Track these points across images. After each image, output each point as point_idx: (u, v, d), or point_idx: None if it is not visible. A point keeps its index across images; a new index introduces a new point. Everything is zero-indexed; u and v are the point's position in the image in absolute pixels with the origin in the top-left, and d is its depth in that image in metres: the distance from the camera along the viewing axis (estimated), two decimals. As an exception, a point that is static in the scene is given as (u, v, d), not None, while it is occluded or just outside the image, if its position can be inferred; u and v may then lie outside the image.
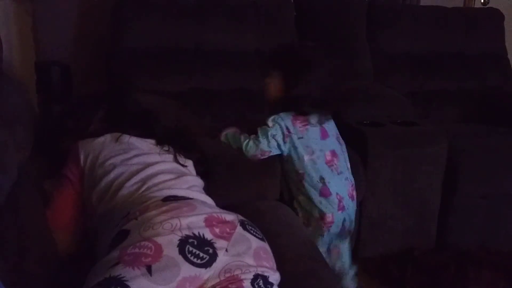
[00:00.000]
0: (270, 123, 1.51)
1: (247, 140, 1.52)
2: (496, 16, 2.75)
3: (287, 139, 1.51)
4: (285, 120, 1.50)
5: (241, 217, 0.96)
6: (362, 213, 1.89)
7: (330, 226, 1.52)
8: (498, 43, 2.75)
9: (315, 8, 2.47)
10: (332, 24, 2.45)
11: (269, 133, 1.50)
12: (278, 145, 1.51)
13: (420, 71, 2.57)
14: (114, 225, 0.94)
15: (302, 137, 1.50)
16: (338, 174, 1.54)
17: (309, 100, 1.52)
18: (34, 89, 1.95)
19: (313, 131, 1.52)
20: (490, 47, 2.73)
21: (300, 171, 1.50)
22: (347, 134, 1.91)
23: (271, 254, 0.95)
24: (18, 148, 1.10)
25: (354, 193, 1.60)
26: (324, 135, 1.55)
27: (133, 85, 2.01)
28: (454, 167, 1.96)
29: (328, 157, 1.53)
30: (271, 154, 1.52)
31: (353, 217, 1.61)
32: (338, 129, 1.68)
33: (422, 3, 2.91)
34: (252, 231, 0.94)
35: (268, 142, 1.50)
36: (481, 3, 3.22)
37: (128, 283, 0.77)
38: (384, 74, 2.49)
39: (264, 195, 1.50)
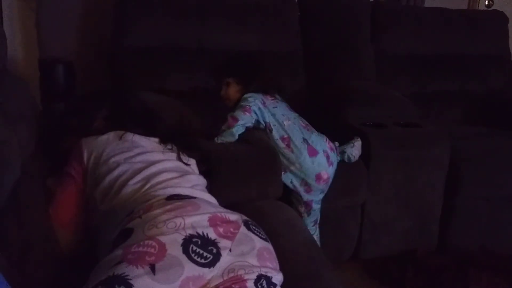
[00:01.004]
0: (245, 101, 1.66)
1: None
2: (500, 19, 2.75)
3: (265, 108, 1.67)
4: (257, 96, 1.67)
5: (245, 217, 0.96)
6: (363, 214, 1.89)
7: (326, 183, 1.71)
8: (502, 46, 2.75)
9: (319, 9, 2.47)
10: (336, 24, 2.45)
11: (248, 100, 1.65)
12: (259, 109, 1.65)
13: (423, 72, 2.57)
14: (117, 223, 0.94)
15: (276, 107, 1.69)
16: (313, 133, 1.72)
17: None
18: (38, 86, 1.95)
19: (282, 103, 1.73)
20: (494, 49, 2.73)
21: (285, 136, 1.66)
22: (349, 135, 1.92)
23: (275, 255, 0.95)
24: (21, 145, 1.10)
25: (331, 144, 1.74)
26: (289, 108, 1.75)
27: (136, 83, 2.01)
28: (456, 168, 1.96)
29: (302, 123, 1.72)
30: (253, 111, 1.64)
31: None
32: (340, 130, 1.84)
33: (426, 5, 2.91)
34: (256, 231, 0.94)
35: (249, 102, 1.65)
36: (486, 5, 3.21)
37: (132, 282, 0.77)
38: (387, 75, 2.48)
39: (266, 193, 1.49)
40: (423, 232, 2.00)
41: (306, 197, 1.70)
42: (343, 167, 1.84)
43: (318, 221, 1.79)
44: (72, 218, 1.14)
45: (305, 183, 1.68)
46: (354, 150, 1.80)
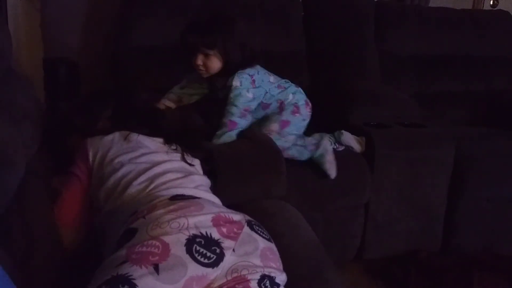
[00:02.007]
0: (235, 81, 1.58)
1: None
2: (505, 19, 2.74)
3: (255, 82, 1.62)
4: (242, 73, 1.59)
5: (248, 217, 0.96)
6: (367, 214, 1.89)
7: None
8: (506, 46, 2.73)
9: (323, 8, 2.47)
10: (340, 24, 2.44)
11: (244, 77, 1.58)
12: (254, 82, 1.61)
13: (427, 72, 2.57)
14: (121, 223, 0.94)
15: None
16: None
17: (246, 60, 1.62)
18: (42, 86, 1.96)
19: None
20: (499, 49, 2.72)
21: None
22: (353, 135, 1.91)
23: (278, 255, 0.95)
24: (26, 144, 1.11)
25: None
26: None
27: (139, 83, 2.01)
28: (460, 169, 1.95)
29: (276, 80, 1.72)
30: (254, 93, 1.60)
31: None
32: (344, 130, 1.84)
33: (431, 5, 2.90)
34: (259, 232, 0.94)
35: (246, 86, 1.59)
36: (490, 5, 3.20)
37: (135, 282, 0.77)
38: (391, 75, 2.48)
39: (269, 193, 1.50)
40: (427, 233, 1.99)
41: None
42: (347, 166, 1.84)
43: (319, 143, 1.76)
44: (76, 217, 1.14)
45: None
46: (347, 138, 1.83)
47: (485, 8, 3.19)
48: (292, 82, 1.77)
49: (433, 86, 2.56)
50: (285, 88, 1.73)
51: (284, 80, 1.75)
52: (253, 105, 1.64)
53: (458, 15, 2.68)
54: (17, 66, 2.06)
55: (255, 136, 1.62)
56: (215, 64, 1.59)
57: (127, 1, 2.15)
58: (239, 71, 1.59)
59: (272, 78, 1.71)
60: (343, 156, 1.86)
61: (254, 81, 1.62)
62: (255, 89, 1.62)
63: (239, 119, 1.59)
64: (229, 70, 1.60)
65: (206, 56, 1.57)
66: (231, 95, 1.59)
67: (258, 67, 1.66)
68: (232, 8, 2.28)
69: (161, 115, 1.33)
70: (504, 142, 2.16)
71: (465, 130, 2.33)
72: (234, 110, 1.59)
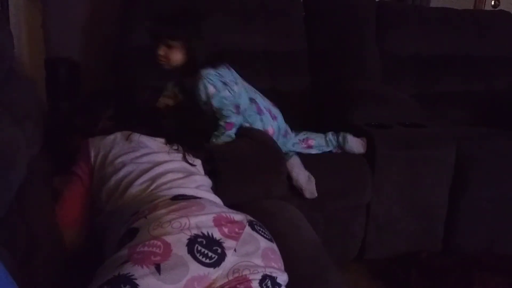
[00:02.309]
0: (204, 83, 1.55)
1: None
2: (506, 19, 2.74)
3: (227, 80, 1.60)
4: (208, 75, 1.55)
5: (249, 217, 0.96)
6: (368, 215, 1.89)
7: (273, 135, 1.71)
8: (508, 46, 2.73)
9: (324, 8, 2.46)
10: (341, 25, 2.44)
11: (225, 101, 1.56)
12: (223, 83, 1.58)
13: (428, 72, 2.56)
14: (123, 223, 0.94)
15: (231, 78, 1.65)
16: (254, 92, 1.73)
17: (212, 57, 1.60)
18: (43, 86, 1.96)
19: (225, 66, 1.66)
20: (500, 49, 2.72)
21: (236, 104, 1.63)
22: (355, 135, 1.91)
23: (279, 255, 0.95)
24: (28, 144, 1.11)
25: (268, 100, 1.77)
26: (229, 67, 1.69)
27: (141, 83, 2.01)
28: (461, 170, 1.95)
29: (245, 83, 1.72)
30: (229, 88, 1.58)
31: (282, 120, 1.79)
32: (345, 130, 1.82)
33: (432, 5, 2.90)
34: (260, 232, 0.94)
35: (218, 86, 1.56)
36: (492, 5, 3.20)
37: (137, 282, 0.77)
38: (392, 75, 2.48)
39: (270, 193, 1.50)
40: (428, 233, 1.99)
41: None
42: (348, 167, 1.84)
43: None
44: (78, 217, 1.15)
45: None
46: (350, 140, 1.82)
47: (486, 8, 3.19)
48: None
49: (434, 86, 2.56)
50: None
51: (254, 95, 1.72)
52: (241, 101, 1.62)
53: (459, 15, 2.67)
54: (19, 66, 2.06)
55: (255, 135, 1.63)
56: (177, 56, 1.55)
57: (127, 1, 2.15)
58: (204, 71, 1.55)
59: (236, 88, 1.65)
60: (344, 156, 1.87)
61: (225, 82, 1.59)
62: (229, 87, 1.60)
63: (234, 118, 1.59)
64: (193, 67, 1.56)
65: (169, 47, 1.54)
66: (215, 104, 1.56)
67: (225, 70, 1.63)
68: (233, 8, 2.29)
69: (163, 114, 1.33)
70: (505, 142, 2.16)
71: (466, 130, 2.33)
72: (225, 113, 1.58)
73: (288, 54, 2.37)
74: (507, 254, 1.97)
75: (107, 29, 2.25)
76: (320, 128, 2.04)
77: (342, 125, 2.03)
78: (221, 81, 1.58)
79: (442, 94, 2.56)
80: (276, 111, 1.77)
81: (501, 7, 3.12)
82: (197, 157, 1.25)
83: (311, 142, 1.82)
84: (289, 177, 1.65)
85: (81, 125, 1.27)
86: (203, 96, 1.57)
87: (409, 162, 1.88)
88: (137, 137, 1.18)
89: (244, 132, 1.63)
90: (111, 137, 1.17)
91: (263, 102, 1.74)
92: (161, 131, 1.24)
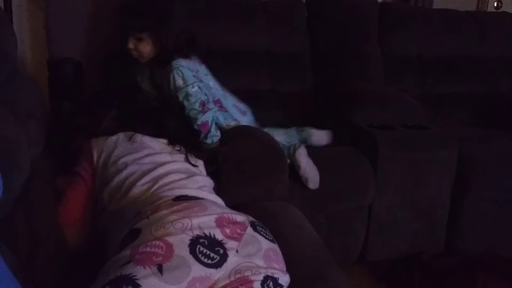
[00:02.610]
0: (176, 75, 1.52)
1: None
2: (509, 21, 2.73)
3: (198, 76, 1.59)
4: (179, 66, 1.53)
5: (251, 218, 0.96)
6: (370, 216, 1.89)
7: None
8: (511, 47, 2.72)
9: (327, 9, 2.46)
10: (344, 25, 2.44)
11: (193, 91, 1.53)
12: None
13: (431, 74, 2.56)
14: (125, 224, 0.95)
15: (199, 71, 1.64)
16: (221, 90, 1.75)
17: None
18: (46, 86, 1.96)
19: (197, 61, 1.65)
20: (503, 51, 2.71)
21: (216, 98, 1.67)
22: (356, 137, 1.91)
23: (281, 256, 0.95)
24: (31, 144, 1.11)
25: (234, 97, 1.80)
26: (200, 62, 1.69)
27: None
28: (464, 171, 1.94)
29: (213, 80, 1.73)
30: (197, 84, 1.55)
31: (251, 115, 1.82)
32: (348, 131, 1.83)
33: (434, 6, 2.89)
34: (262, 233, 0.94)
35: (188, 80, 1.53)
36: (494, 7, 3.19)
37: (139, 282, 0.77)
38: (395, 77, 2.47)
39: (272, 194, 1.50)
40: (430, 235, 1.99)
41: None
42: (350, 167, 1.84)
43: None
44: (80, 217, 1.15)
45: None
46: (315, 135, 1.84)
47: (489, 10, 3.18)
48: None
49: (437, 87, 2.56)
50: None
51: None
52: (206, 96, 1.58)
53: (462, 17, 2.67)
54: (22, 66, 2.07)
55: (258, 135, 1.62)
56: (146, 48, 1.53)
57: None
58: (175, 61, 1.52)
59: (212, 83, 1.68)
60: (346, 157, 1.87)
61: (196, 76, 1.57)
62: (201, 82, 1.58)
63: (204, 117, 1.54)
64: (164, 57, 1.54)
65: (138, 40, 1.52)
66: (180, 98, 1.53)
67: (197, 64, 1.62)
68: (235, 9, 2.29)
69: (166, 115, 1.33)
70: (508, 143, 2.15)
71: (469, 131, 2.33)
72: (193, 113, 1.53)
73: (290, 55, 2.36)
74: (510, 255, 1.97)
75: (110, 29, 2.25)
76: (321, 129, 2.04)
77: (344, 126, 2.04)
78: (192, 75, 1.55)
79: (445, 95, 2.55)
80: (244, 107, 1.81)
81: (504, 8, 3.11)
82: (199, 157, 1.25)
83: (276, 138, 1.77)
84: (292, 168, 1.65)
85: (84, 125, 1.27)
86: (172, 88, 1.54)
87: (411, 164, 1.88)
88: (140, 138, 1.18)
89: (247, 131, 1.63)
90: (114, 137, 1.17)
91: (229, 101, 1.75)
92: (163, 132, 1.24)
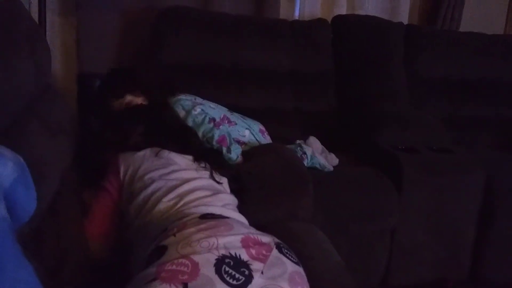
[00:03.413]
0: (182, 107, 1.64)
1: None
2: (537, 44, 2.69)
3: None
4: (177, 98, 1.67)
5: (276, 240, 0.96)
6: (393, 240, 1.85)
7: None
8: (538, 72, 2.68)
9: (352, 30, 2.47)
10: (369, 47, 2.44)
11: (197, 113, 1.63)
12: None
13: (457, 96, 2.53)
14: (151, 240, 0.95)
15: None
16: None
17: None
18: (75, 100, 2.01)
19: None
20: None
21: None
22: (380, 158, 1.89)
23: (306, 279, 0.93)
24: (60, 158, 1.13)
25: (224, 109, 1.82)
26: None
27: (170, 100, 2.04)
28: (491, 198, 1.90)
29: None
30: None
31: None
32: (372, 153, 1.84)
33: (461, 29, 2.87)
34: (287, 255, 0.93)
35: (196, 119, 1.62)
36: (522, 30, 3.15)
37: (164, 300, 0.77)
38: (420, 99, 2.45)
39: (296, 215, 1.48)
40: (454, 262, 1.94)
41: None
42: (373, 190, 1.82)
43: None
44: (105, 231, 1.16)
45: None
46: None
47: (517, 33, 3.14)
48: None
49: (463, 110, 2.52)
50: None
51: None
52: (215, 114, 1.67)
53: (489, 40, 2.64)
54: (53, 80, 2.12)
55: (283, 153, 1.62)
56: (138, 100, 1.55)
57: (160, 19, 2.20)
58: (172, 100, 1.66)
59: (212, 104, 1.76)
60: (370, 178, 1.84)
61: (195, 102, 1.68)
62: (202, 105, 1.68)
63: (219, 131, 1.60)
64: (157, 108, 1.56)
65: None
66: (190, 124, 1.60)
67: (191, 95, 1.73)
68: (261, 28, 2.31)
69: (192, 132, 1.34)
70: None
71: (496, 156, 2.28)
72: (206, 132, 1.59)
73: (314, 74, 2.37)
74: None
75: (138, 45, 2.30)
76: (345, 150, 2.03)
77: (367, 147, 2.02)
78: (191, 102, 1.66)
79: (471, 118, 2.52)
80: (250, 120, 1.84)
81: (533, 32, 3.07)
82: (223, 174, 1.25)
83: None
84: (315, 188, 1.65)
85: (112, 140, 1.29)
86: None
87: (436, 188, 1.85)
88: (166, 154, 1.19)
89: (273, 148, 1.63)
90: (141, 153, 1.18)
91: (235, 114, 1.80)
92: (189, 148, 1.25)
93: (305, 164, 1.74)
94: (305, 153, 1.81)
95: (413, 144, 1.97)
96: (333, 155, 1.90)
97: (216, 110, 1.74)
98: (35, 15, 1.97)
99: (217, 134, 1.60)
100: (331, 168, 1.82)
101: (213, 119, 1.64)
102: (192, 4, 2.33)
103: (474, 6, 2.92)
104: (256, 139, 1.76)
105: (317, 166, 1.80)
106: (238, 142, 1.68)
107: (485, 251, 1.94)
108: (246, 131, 1.75)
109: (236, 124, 1.74)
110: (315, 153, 1.82)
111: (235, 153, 1.58)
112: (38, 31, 1.27)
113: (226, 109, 1.82)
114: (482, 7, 2.97)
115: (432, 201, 1.85)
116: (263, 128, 1.87)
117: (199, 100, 1.75)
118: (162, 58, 2.15)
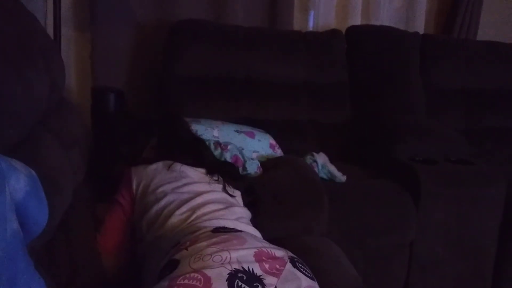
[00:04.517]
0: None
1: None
2: (557, 53, 2.64)
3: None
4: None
5: (290, 254, 0.93)
6: (411, 255, 1.81)
7: None
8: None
9: (366, 40, 2.45)
10: (384, 57, 2.42)
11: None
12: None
13: (476, 107, 2.48)
14: (163, 254, 0.93)
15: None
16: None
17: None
18: (89, 114, 2.02)
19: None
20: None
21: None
22: (398, 171, 1.86)
23: (321, 295, 0.91)
24: (73, 172, 1.13)
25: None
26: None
27: (184, 112, 2.04)
28: (512, 210, 1.85)
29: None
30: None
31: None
32: (389, 164, 1.82)
33: (478, 38, 2.83)
34: (302, 269, 0.90)
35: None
36: (541, 39, 3.09)
37: (177, 315, 0.75)
38: (437, 110, 2.41)
39: (311, 229, 1.46)
40: (476, 277, 1.88)
41: None
42: (391, 203, 1.78)
43: None
44: (118, 245, 1.15)
45: None
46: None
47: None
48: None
49: (481, 121, 2.47)
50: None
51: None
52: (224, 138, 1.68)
53: (508, 49, 2.60)
54: (67, 94, 2.14)
55: (298, 167, 1.60)
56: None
57: (173, 32, 2.21)
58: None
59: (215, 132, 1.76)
60: (387, 191, 1.81)
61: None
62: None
63: (229, 153, 1.59)
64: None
65: None
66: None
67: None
68: (275, 40, 2.31)
69: (204, 145, 1.33)
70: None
71: (516, 168, 2.22)
72: (224, 158, 1.57)
73: (329, 85, 2.35)
74: None
75: (153, 59, 2.31)
76: (360, 162, 2.00)
77: (384, 159, 1.98)
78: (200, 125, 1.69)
79: (490, 129, 2.46)
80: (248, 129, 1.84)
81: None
82: (236, 188, 1.24)
83: None
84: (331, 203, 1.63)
85: (125, 154, 1.29)
86: None
87: (456, 201, 1.80)
88: (179, 167, 1.18)
89: (287, 161, 1.61)
90: (153, 166, 1.18)
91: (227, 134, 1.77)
92: (202, 162, 1.24)
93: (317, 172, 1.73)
94: (315, 161, 1.79)
95: (431, 156, 1.92)
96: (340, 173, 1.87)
97: (216, 131, 1.73)
98: (50, 29, 1.99)
99: (228, 156, 1.58)
100: (343, 179, 1.79)
101: (218, 143, 1.62)
102: (205, 16, 2.34)
103: (491, 13, 2.89)
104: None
105: (328, 175, 1.77)
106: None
107: (508, 266, 1.88)
108: (254, 154, 1.74)
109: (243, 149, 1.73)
110: (327, 162, 1.79)
111: (252, 169, 1.57)
112: (53, 46, 1.28)
113: (234, 128, 1.80)
114: (499, 15, 2.93)
115: (451, 215, 1.80)
116: (273, 142, 1.85)
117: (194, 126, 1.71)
118: (177, 70, 2.16)
